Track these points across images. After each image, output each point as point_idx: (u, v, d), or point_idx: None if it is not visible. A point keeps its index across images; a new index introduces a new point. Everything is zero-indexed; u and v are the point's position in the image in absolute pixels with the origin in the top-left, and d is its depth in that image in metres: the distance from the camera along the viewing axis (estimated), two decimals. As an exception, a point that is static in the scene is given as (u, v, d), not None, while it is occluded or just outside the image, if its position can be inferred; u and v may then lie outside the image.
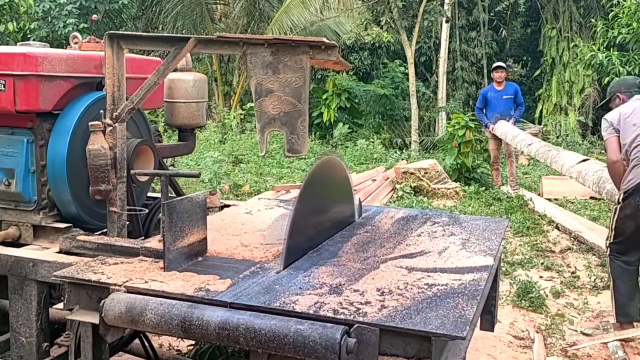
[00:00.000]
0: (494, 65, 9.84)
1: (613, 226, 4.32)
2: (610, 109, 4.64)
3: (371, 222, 3.06)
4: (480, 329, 2.87)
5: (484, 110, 9.41)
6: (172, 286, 2.09)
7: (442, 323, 1.78)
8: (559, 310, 4.77)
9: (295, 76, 2.46)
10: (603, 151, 11.24)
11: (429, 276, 2.21)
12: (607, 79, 11.13)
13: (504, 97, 9.33)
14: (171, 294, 2.04)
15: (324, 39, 2.44)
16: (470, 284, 2.13)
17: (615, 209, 4.30)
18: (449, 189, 8.61)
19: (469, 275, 2.22)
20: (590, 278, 5.36)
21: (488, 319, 2.90)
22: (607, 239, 4.40)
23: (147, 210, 3.11)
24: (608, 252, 4.39)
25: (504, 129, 8.85)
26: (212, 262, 2.38)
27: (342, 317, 1.83)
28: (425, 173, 8.84)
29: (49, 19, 13.77)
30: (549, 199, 8.33)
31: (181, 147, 3.73)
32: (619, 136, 4.31)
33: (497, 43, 17.52)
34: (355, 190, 3.43)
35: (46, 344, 2.69)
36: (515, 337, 4.33)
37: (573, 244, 6.36)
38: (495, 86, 9.50)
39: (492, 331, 3.02)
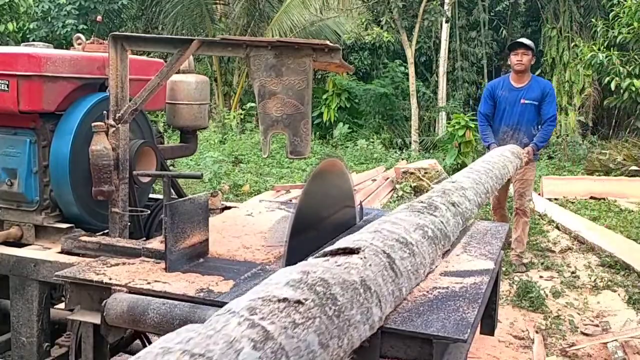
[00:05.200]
0: (514, 41, 5.69)
1: None
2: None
3: (372, 223, 3.05)
4: (480, 333, 2.88)
5: (491, 121, 5.57)
6: (175, 287, 2.10)
7: (444, 326, 1.78)
8: (559, 310, 4.78)
9: (298, 79, 2.46)
10: (603, 150, 11.26)
11: (430, 279, 2.21)
12: (607, 78, 11.15)
13: (523, 101, 5.40)
14: (173, 295, 2.05)
15: (327, 42, 2.44)
16: (471, 288, 2.13)
17: None
18: (449, 189, 8.60)
19: (470, 279, 2.22)
20: (590, 278, 5.37)
21: (488, 323, 2.90)
22: None
23: (148, 211, 3.11)
24: None
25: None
26: (214, 264, 2.38)
27: (344, 319, 1.83)
28: (425, 173, 8.85)
29: (49, 19, 13.78)
30: (549, 199, 8.34)
31: (183, 149, 3.73)
32: None
33: (497, 43, 17.49)
34: (355, 190, 3.43)
35: (47, 344, 2.69)
36: (515, 337, 4.34)
37: (573, 244, 6.37)
38: (513, 80, 5.51)
39: (492, 335, 3.02)
